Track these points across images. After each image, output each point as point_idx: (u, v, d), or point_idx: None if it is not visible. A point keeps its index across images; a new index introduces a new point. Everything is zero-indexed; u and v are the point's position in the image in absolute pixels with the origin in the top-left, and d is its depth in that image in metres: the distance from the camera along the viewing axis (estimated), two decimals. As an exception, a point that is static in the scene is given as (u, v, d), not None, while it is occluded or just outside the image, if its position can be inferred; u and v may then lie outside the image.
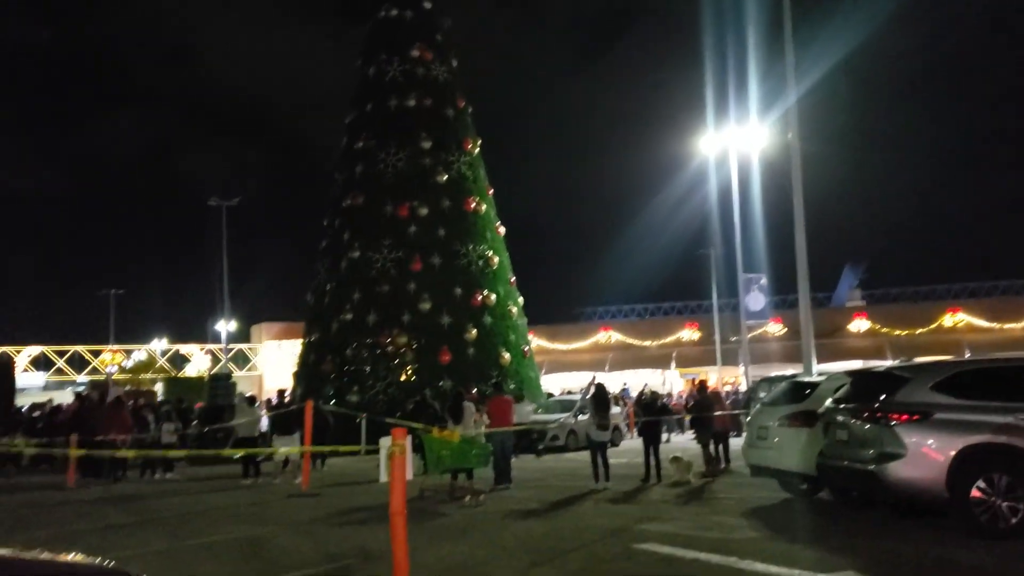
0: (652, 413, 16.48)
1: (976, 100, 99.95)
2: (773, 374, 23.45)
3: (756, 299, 34.18)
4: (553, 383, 40.73)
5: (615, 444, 24.61)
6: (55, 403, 26.38)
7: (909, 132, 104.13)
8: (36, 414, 24.43)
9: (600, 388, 15.30)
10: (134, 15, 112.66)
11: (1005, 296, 47.69)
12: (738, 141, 33.38)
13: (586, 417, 15.67)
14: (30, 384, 45.41)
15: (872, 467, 8.93)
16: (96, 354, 50.09)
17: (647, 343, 47.60)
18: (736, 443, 16.21)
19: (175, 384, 34.62)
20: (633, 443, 16.71)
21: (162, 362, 48.87)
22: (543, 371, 36.80)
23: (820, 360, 22.15)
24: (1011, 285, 48.82)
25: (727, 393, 28.38)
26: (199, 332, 55.37)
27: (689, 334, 47.26)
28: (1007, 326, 44.01)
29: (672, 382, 45.06)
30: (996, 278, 50.12)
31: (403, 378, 26.17)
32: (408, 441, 6.98)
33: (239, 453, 16.69)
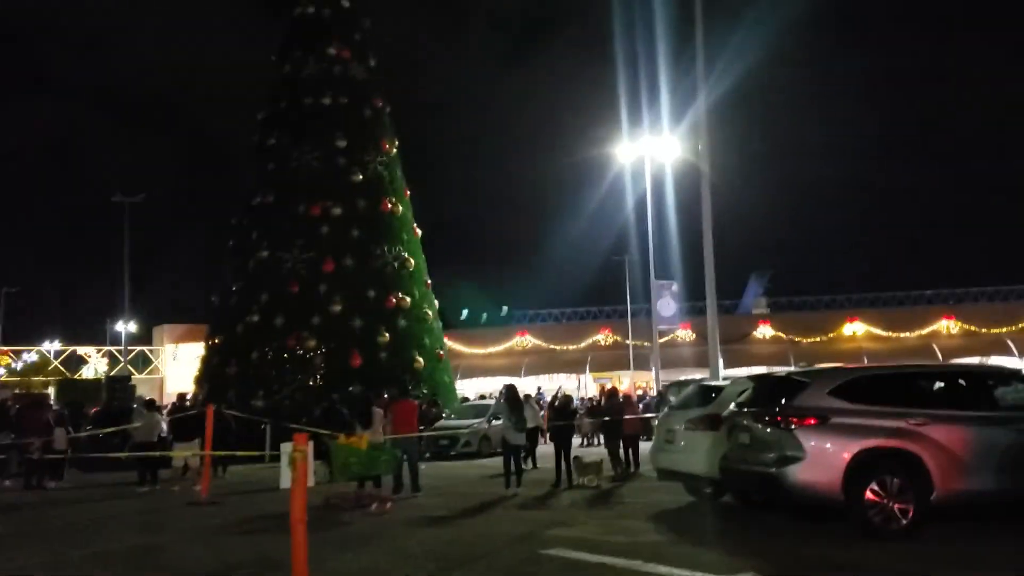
0: (565, 417, 16.52)
1: (881, 107, 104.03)
2: (682, 378, 23.87)
3: (667, 305, 34.75)
4: (468, 388, 40.65)
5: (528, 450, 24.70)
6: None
7: (815, 142, 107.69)
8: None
9: (512, 390, 15.28)
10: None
11: (902, 307, 49.80)
12: (652, 150, 33.92)
13: (499, 422, 15.58)
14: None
15: (773, 470, 9.11)
16: (-16, 355, 47.77)
17: (563, 347, 47.97)
18: (646, 447, 16.40)
19: (70, 387, 33.23)
20: (546, 448, 16.76)
21: (56, 364, 46.91)
22: (458, 376, 36.66)
23: (727, 365, 22.70)
24: (907, 296, 51.02)
25: (638, 397, 28.73)
26: (98, 333, 53.39)
27: (604, 338, 47.82)
28: (903, 335, 45.91)
29: (587, 386, 45.49)
30: (893, 289, 52.29)
31: (311, 383, 25.64)
32: (311, 447, 6.81)
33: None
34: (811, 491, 8.95)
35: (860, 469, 8.77)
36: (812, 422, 9.05)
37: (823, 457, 8.89)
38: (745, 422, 10.02)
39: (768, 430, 9.45)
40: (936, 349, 43.71)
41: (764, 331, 46.97)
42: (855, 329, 46.55)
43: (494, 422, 23.86)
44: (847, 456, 8.80)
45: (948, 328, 46.07)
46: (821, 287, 66.39)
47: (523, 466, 15.19)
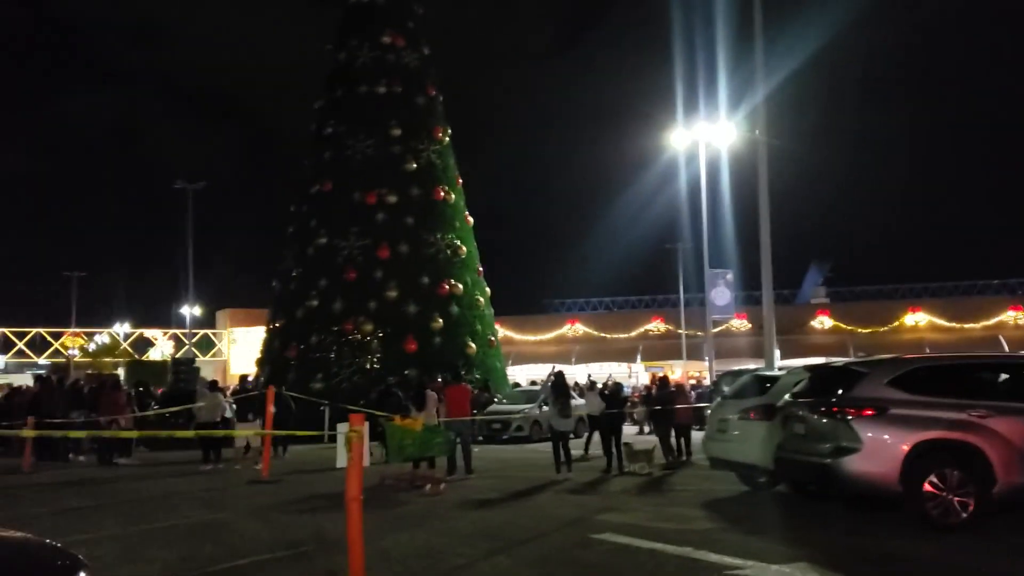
0: (615, 405, 16.54)
1: (946, 100, 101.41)
2: (735, 368, 23.66)
3: (722, 294, 34.42)
4: (519, 374, 40.82)
5: (577, 435, 24.76)
6: (15, 385, 25.99)
7: (877, 131, 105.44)
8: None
9: (560, 377, 15.35)
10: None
11: (965, 296, 48.58)
12: (707, 136, 33.55)
13: (548, 408, 15.66)
14: (-10, 366, 44.75)
15: (828, 461, 9.04)
16: (57, 336, 49.42)
17: (613, 336, 47.84)
18: (698, 436, 16.34)
19: (138, 368, 34.23)
20: (596, 435, 16.86)
21: (125, 346, 48.26)
22: (509, 362, 36.84)
23: (784, 356, 22.46)
24: (971, 286, 49.76)
25: (691, 387, 28.54)
26: (163, 317, 54.82)
27: (655, 327, 47.56)
28: (966, 326, 44.79)
29: (638, 375, 45.34)
30: (957, 279, 51.03)
31: (368, 366, 26.04)
32: (367, 428, 6.96)
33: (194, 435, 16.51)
34: (867, 482, 8.88)
35: (919, 461, 8.66)
36: (869, 413, 8.96)
37: (880, 448, 8.81)
38: (801, 412, 9.95)
39: (824, 420, 9.38)
40: (1002, 340, 42.59)
41: (823, 321, 46.26)
42: (917, 319, 45.56)
43: (544, 407, 23.99)
44: (905, 448, 8.69)
45: (1016, 319, 44.81)
46: (882, 277, 65.11)
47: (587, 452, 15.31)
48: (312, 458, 17.75)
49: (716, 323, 36.25)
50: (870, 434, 8.88)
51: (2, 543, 2.40)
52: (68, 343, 49.22)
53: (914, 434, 8.77)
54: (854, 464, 8.86)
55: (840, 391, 9.44)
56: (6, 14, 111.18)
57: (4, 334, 48.25)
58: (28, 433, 15.73)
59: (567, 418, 14.67)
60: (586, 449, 18.28)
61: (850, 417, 9.02)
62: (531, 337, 48.01)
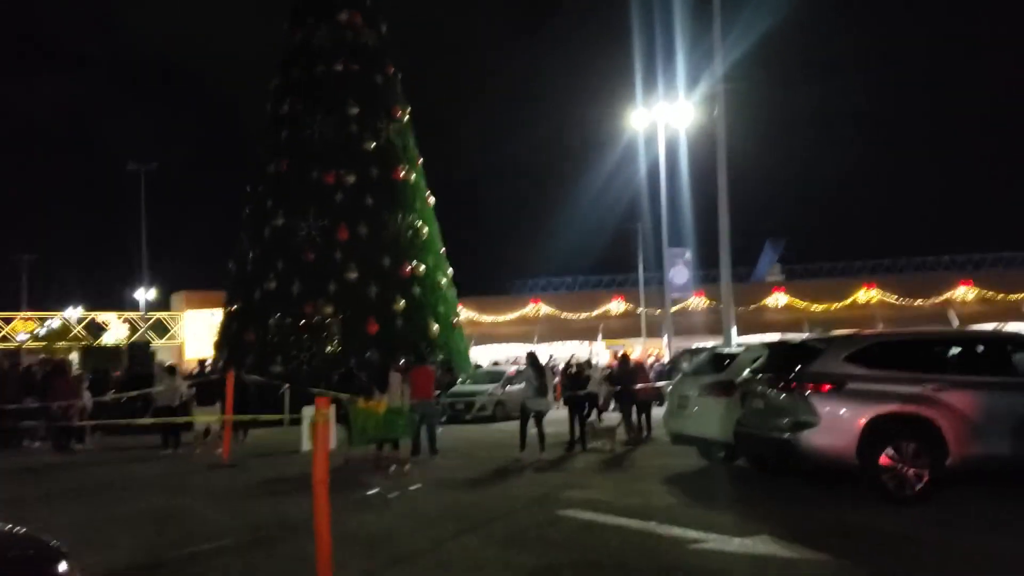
0: (578, 383, 16.62)
1: (898, 76, 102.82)
2: (695, 345, 23.94)
3: (680, 273, 34.81)
4: (482, 355, 40.83)
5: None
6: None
7: (831, 109, 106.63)
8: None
9: (534, 356, 15.42)
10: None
11: (917, 273, 49.53)
12: (666, 117, 33.74)
13: (521, 387, 15.55)
14: (-65, 352, 43.63)
15: (787, 435, 9.19)
16: (7, 321, 48.32)
17: (575, 315, 48.03)
18: (659, 413, 16.51)
19: (92, 353, 33.59)
20: (558, 413, 16.87)
21: (78, 330, 47.38)
22: (472, 343, 36.81)
23: (741, 333, 22.69)
24: (923, 262, 50.74)
25: (651, 364, 28.84)
26: (117, 300, 53.94)
27: (616, 306, 47.84)
28: (919, 302, 45.69)
29: (598, 353, 45.64)
30: (908, 255, 51.99)
31: (328, 349, 25.87)
32: (332, 411, 6.92)
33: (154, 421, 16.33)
34: (825, 456, 9.04)
35: (875, 434, 8.84)
36: (827, 388, 9.12)
37: (838, 422, 8.97)
38: (760, 388, 10.10)
39: (783, 396, 9.53)
40: (953, 315, 43.54)
41: (778, 298, 46.84)
42: (871, 296, 46.34)
43: (509, 387, 24.07)
44: (862, 421, 8.87)
45: (965, 294, 45.79)
46: (837, 254, 66.12)
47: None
48: (272, 442, 17.63)
49: (675, 301, 36.65)
50: (828, 409, 9.03)
51: None
52: (18, 328, 48.17)
53: (870, 408, 8.94)
54: (812, 438, 9.01)
55: (798, 367, 9.58)
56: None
57: (-49, 319, 47.07)
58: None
59: (543, 397, 14.71)
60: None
61: (808, 392, 9.17)
62: (494, 318, 47.99)
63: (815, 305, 46.15)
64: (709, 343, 27.20)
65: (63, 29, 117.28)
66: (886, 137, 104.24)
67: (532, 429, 14.33)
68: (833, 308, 45.86)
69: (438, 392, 17.35)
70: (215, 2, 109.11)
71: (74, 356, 32.77)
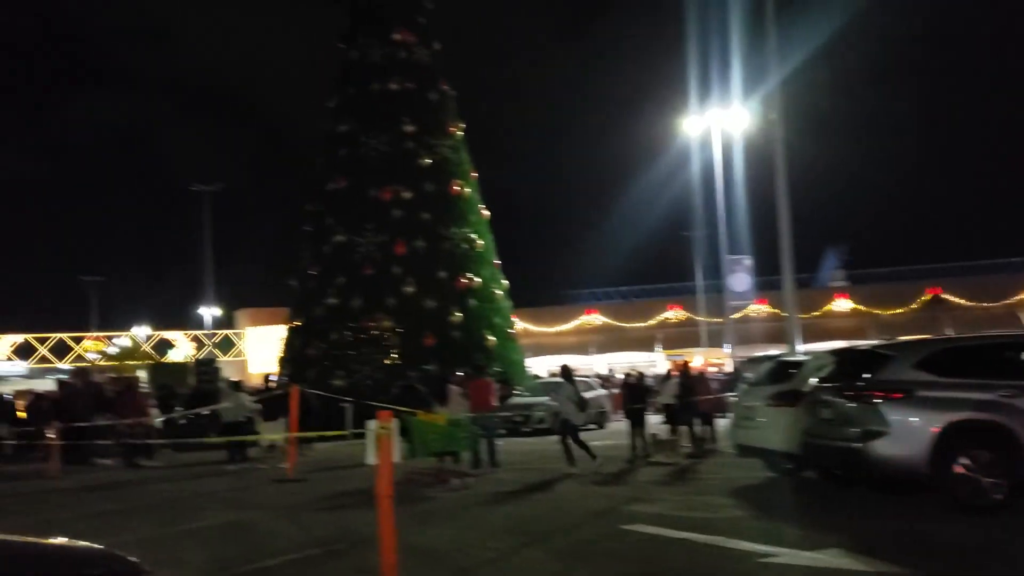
0: (638, 395, 16.50)
1: (963, 80, 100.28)
2: (758, 354, 23.59)
3: (740, 280, 34.38)
4: (538, 366, 40.81)
5: (601, 426, 24.74)
6: (36, 391, 26.17)
7: (892, 112, 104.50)
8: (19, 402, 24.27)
9: (568, 368, 15.37)
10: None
11: (986, 275, 48.15)
12: (722, 122, 33.41)
13: (558, 400, 15.17)
14: (12, 372, 45.10)
15: (856, 445, 8.99)
16: (78, 341, 49.79)
17: (631, 325, 47.74)
18: (724, 424, 16.29)
19: (159, 370, 34.44)
20: (619, 425, 16.77)
21: (146, 348, 48.59)
22: (528, 354, 36.82)
23: (804, 340, 22.35)
24: (991, 264, 49.30)
25: (713, 374, 28.49)
26: (183, 318, 55.22)
27: (674, 315, 47.44)
28: (988, 304, 44.43)
29: (658, 364, 45.27)
30: (977, 257, 50.57)
31: (388, 362, 26.12)
32: (395, 424, 6.97)
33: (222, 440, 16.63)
34: (896, 465, 8.82)
35: (948, 443, 8.59)
36: (897, 396, 8.91)
37: (909, 431, 8.75)
38: (827, 397, 9.90)
39: (851, 405, 9.33)
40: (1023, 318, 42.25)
41: (842, 304, 46.01)
42: (937, 299, 45.21)
43: (555, 401, 23.94)
44: (934, 430, 8.63)
45: (1036, 296, 44.43)
46: (901, 258, 64.63)
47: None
48: (336, 455, 17.82)
49: (735, 309, 36.16)
50: (898, 417, 8.82)
51: (63, 552, 2.41)
52: (89, 347, 49.59)
53: (942, 416, 8.70)
54: (882, 448, 8.80)
55: (867, 375, 9.38)
56: (17, 22, 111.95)
57: (26, 340, 48.66)
58: (54, 438, 15.88)
59: (582, 411, 14.62)
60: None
61: (877, 401, 8.97)
62: (549, 328, 47.99)
63: (880, 310, 45.18)
64: (773, 352, 26.78)
65: (125, 51, 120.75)
66: (949, 138, 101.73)
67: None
68: (899, 313, 44.84)
69: (499, 404, 17.27)
70: (273, 23, 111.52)
71: (142, 373, 33.63)
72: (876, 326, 42.29)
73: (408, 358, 25.79)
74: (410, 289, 26.75)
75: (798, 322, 19.64)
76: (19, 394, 28.05)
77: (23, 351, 48.39)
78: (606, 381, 31.36)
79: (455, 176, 29.19)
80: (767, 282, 42.18)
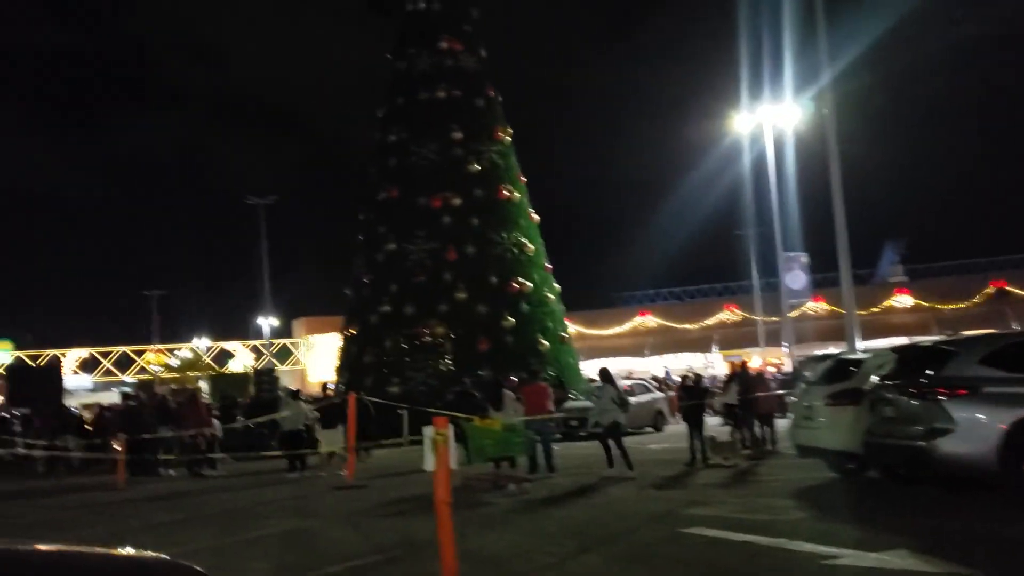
0: (695, 396, 16.32)
1: (1020, 65, 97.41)
2: (817, 353, 23.20)
3: (797, 278, 33.87)
4: (592, 369, 40.62)
5: (658, 429, 24.57)
6: (102, 404, 26.88)
7: (952, 102, 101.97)
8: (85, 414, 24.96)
9: (609, 372, 15.27)
10: (160, 15, 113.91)
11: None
12: (773, 119, 32.98)
13: (600, 402, 14.97)
14: (79, 386, 46.38)
15: (921, 443, 8.80)
16: (140, 354, 50.98)
17: (686, 326, 47.31)
18: (783, 424, 16.05)
19: (220, 380, 35.10)
20: (677, 427, 16.60)
21: (206, 359, 49.55)
22: (582, 357, 36.73)
23: (863, 337, 21.93)
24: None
25: (771, 374, 28.07)
26: (241, 329, 56.21)
27: (729, 315, 46.88)
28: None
29: (715, 365, 44.76)
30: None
31: (442, 368, 26.28)
32: (451, 430, 7.00)
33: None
34: (962, 463, 8.62)
35: (1017, 439, 8.35)
36: (962, 392, 8.69)
37: (976, 428, 8.53)
38: (890, 395, 9.70)
39: (915, 402, 9.14)
40: (1093, 311, 40.88)
41: (902, 300, 45.00)
42: (1003, 292, 43.95)
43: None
44: (1003, 427, 8.41)
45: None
46: (961, 251, 62.98)
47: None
48: (394, 461, 17.98)
49: (791, 307, 35.61)
50: (964, 414, 8.62)
51: (130, 562, 2.47)
52: (151, 360, 50.74)
53: (1011, 412, 8.47)
54: (948, 446, 8.61)
55: (930, 371, 9.17)
56: (69, 41, 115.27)
57: (91, 354, 49.96)
58: (119, 450, 16.26)
59: (626, 412, 14.53)
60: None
61: (942, 398, 8.77)
62: (603, 331, 47.77)
63: (942, 305, 44.09)
64: (832, 350, 26.31)
65: (172, 65, 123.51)
66: (1010, 128, 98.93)
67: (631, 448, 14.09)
68: (961, 307, 43.70)
69: (554, 408, 17.25)
70: (321, 36, 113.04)
71: (203, 384, 34.30)
72: (938, 321, 41.24)
73: (462, 364, 25.91)
74: (462, 295, 26.90)
75: (857, 319, 19.26)
76: (85, 407, 28.84)
77: (88, 365, 49.70)
78: (662, 383, 31.10)
79: (504, 181, 29.30)
80: (824, 279, 41.51)
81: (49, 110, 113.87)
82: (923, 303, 44.48)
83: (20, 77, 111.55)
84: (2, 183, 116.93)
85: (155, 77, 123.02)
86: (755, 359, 36.55)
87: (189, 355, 50.48)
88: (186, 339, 53.98)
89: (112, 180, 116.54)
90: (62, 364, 43.38)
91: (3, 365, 44.68)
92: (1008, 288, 44.01)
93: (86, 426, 22.99)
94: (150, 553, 2.50)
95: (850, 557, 6.98)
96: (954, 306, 43.81)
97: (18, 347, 49.67)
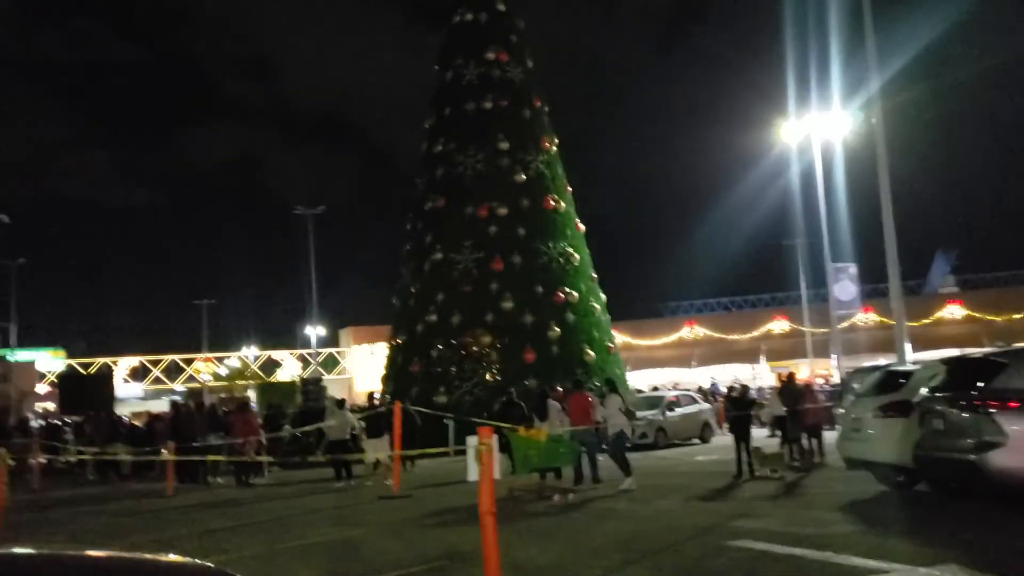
0: (742, 408, 16.18)
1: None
2: (866, 364, 22.85)
3: (846, 289, 33.36)
4: (639, 380, 40.44)
5: (705, 440, 24.36)
6: (151, 412, 27.40)
7: (1001, 114, 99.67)
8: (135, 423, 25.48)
9: (614, 383, 15.26)
10: (213, 31, 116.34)
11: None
12: (821, 128, 32.59)
13: (606, 413, 14.82)
14: (129, 394, 47.31)
15: (972, 456, 8.65)
16: (190, 362, 51.85)
17: (734, 336, 46.84)
18: (831, 436, 15.83)
19: (267, 389, 35.54)
20: (723, 439, 16.43)
21: (254, 368, 50.23)
22: (628, 368, 36.56)
23: (914, 349, 21.56)
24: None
25: (819, 386, 27.67)
26: (289, 338, 56.88)
27: (778, 326, 46.33)
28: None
29: (762, 376, 44.23)
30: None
31: (488, 378, 26.33)
32: (495, 440, 7.04)
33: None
34: (1015, 477, 8.45)
35: (1072, 454, 8.17)
36: (1013, 405, 8.52)
37: (1029, 442, 8.35)
38: (940, 407, 9.54)
39: (965, 415, 8.99)
40: None
41: (953, 311, 44.10)
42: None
43: (669, 413, 23.77)
44: (1056, 441, 8.22)
45: None
46: (1014, 262, 61.50)
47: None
48: (440, 472, 18.05)
49: (841, 318, 35.09)
50: (1016, 427, 8.46)
51: (175, 570, 2.54)
52: (200, 368, 51.58)
53: (1066, 426, 8.28)
54: (1000, 459, 8.45)
55: (981, 384, 9.01)
56: (123, 56, 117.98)
57: (141, 363, 50.95)
58: (169, 458, 16.55)
59: (632, 420, 14.54)
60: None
61: (993, 410, 8.61)
62: (649, 342, 47.49)
63: (994, 316, 43.10)
64: (881, 361, 25.89)
65: (226, 80, 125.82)
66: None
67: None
68: (1014, 319, 42.66)
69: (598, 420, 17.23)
70: (369, 48, 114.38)
71: (251, 393, 34.78)
72: (990, 333, 40.31)
73: (508, 374, 25.93)
74: (508, 305, 26.94)
75: (907, 330, 18.92)
76: (135, 415, 29.42)
77: (139, 374, 50.69)
78: (707, 395, 30.84)
79: (550, 191, 29.34)
80: (873, 290, 40.89)
81: (109, 124, 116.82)
82: (975, 314, 43.52)
83: (85, 92, 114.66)
84: (61, 194, 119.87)
85: (209, 91, 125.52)
86: (803, 370, 36.06)
87: (237, 364, 51.25)
88: (235, 348, 54.80)
89: (165, 191, 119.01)
90: (113, 372, 44.35)
91: (56, 373, 45.84)
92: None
93: (137, 433, 23.45)
94: (195, 561, 2.58)
95: (900, 572, 6.88)
96: (1006, 317, 42.79)
97: (71, 355, 50.88)
